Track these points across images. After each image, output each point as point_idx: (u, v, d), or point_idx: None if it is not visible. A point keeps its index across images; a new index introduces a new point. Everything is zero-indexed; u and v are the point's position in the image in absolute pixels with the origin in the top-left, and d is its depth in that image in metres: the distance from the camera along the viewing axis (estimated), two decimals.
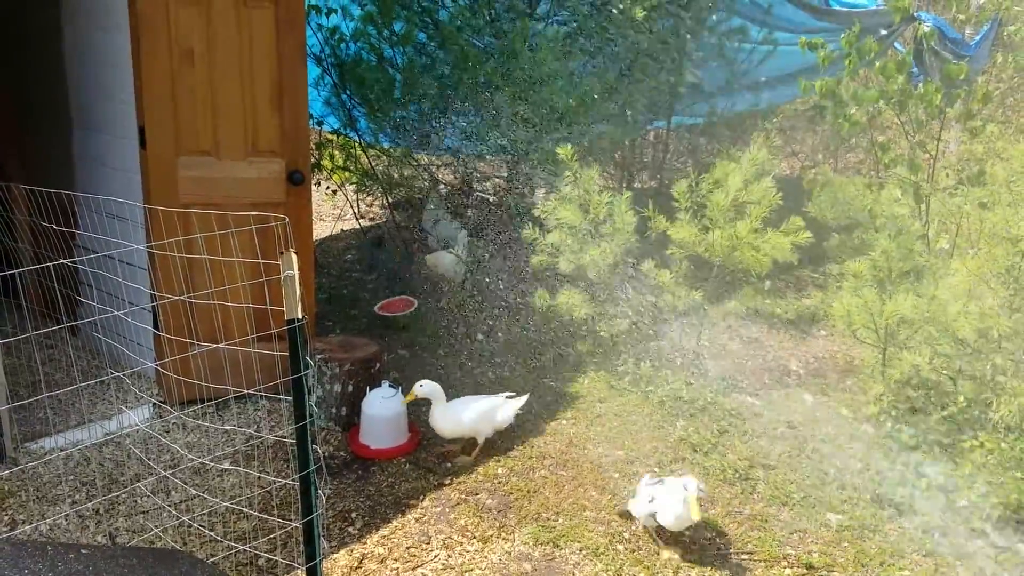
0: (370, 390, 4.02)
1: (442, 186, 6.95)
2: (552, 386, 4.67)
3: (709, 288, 4.77)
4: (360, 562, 3.12)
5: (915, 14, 6.44)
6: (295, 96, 4.14)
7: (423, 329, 5.42)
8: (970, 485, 3.48)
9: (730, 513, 3.47)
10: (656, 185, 7.57)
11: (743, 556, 3.20)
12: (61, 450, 3.72)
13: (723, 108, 7.08)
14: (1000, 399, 3.60)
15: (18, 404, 3.69)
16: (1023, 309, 3.63)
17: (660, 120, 7.13)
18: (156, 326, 3.97)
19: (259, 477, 3.55)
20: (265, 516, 3.24)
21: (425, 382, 3.90)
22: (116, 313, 3.33)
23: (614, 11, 5.77)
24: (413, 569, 3.09)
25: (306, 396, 2.36)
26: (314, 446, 2.42)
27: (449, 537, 3.28)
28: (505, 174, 6.35)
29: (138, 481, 3.53)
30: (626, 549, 3.22)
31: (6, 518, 3.27)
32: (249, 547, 3.08)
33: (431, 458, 3.89)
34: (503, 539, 3.27)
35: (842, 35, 5.39)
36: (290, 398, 2.37)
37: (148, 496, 3.43)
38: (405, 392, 3.93)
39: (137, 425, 3.95)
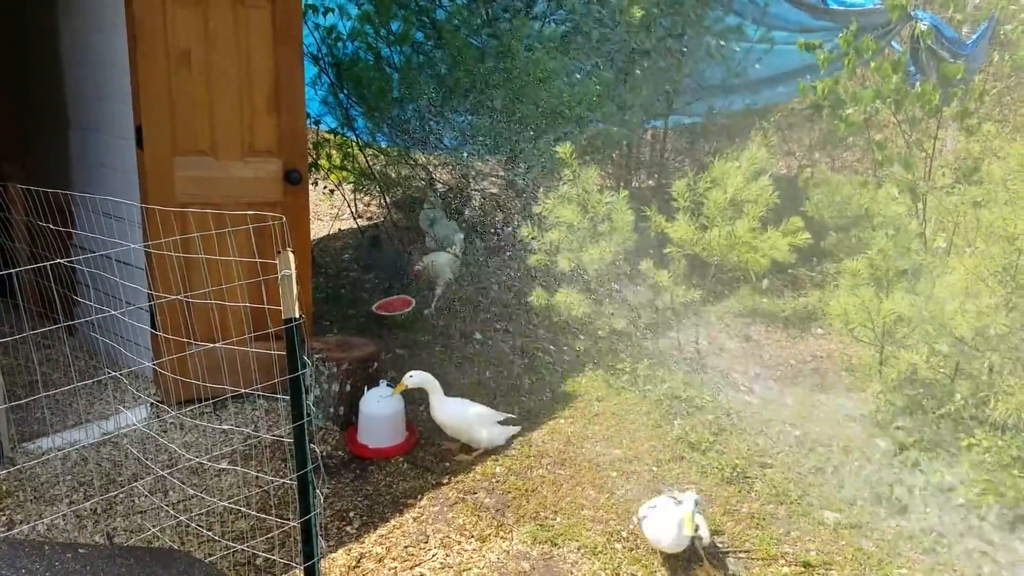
0: (368, 389, 4.02)
1: (439, 185, 6.95)
2: (550, 385, 4.67)
3: (707, 287, 4.78)
4: (358, 561, 3.12)
5: (912, 13, 6.45)
6: (292, 95, 4.14)
7: (421, 328, 5.42)
8: (967, 483, 3.49)
9: (728, 511, 3.47)
10: (654, 184, 7.58)
11: (741, 554, 3.20)
12: (58, 450, 3.72)
13: (720, 107, 7.09)
14: (997, 397, 3.61)
15: (15, 404, 3.68)
16: (1020, 307, 3.63)
17: (658, 119, 7.14)
18: (153, 326, 3.96)
19: (257, 477, 3.55)
20: (263, 516, 3.23)
21: (415, 372, 3.91)
22: (113, 313, 3.33)
23: (610, 10, 5.77)
24: (411, 568, 3.09)
25: (303, 395, 2.36)
26: (312, 445, 2.42)
27: (447, 536, 3.28)
28: (502, 173, 6.35)
29: (136, 481, 3.53)
30: (624, 548, 3.22)
31: (3, 518, 3.27)
32: (247, 547, 3.08)
33: (429, 457, 3.89)
34: (501, 538, 3.28)
35: (839, 34, 5.40)
36: (288, 398, 2.37)
37: (146, 496, 3.43)
38: (402, 391, 3.93)
39: (135, 425, 3.95)
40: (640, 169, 7.96)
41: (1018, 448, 3.49)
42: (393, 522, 3.38)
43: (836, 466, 3.80)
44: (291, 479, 3.40)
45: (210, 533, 3.18)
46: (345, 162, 7.06)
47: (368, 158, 7.00)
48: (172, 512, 3.31)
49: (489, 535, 3.29)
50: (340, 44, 6.35)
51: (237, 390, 3.10)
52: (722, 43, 6.54)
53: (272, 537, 3.18)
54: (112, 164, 4.31)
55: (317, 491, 2.45)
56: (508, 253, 5.79)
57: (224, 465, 3.65)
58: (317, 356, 4.07)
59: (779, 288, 6.11)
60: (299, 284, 2.35)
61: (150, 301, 3.88)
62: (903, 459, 3.77)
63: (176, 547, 3.08)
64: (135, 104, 3.86)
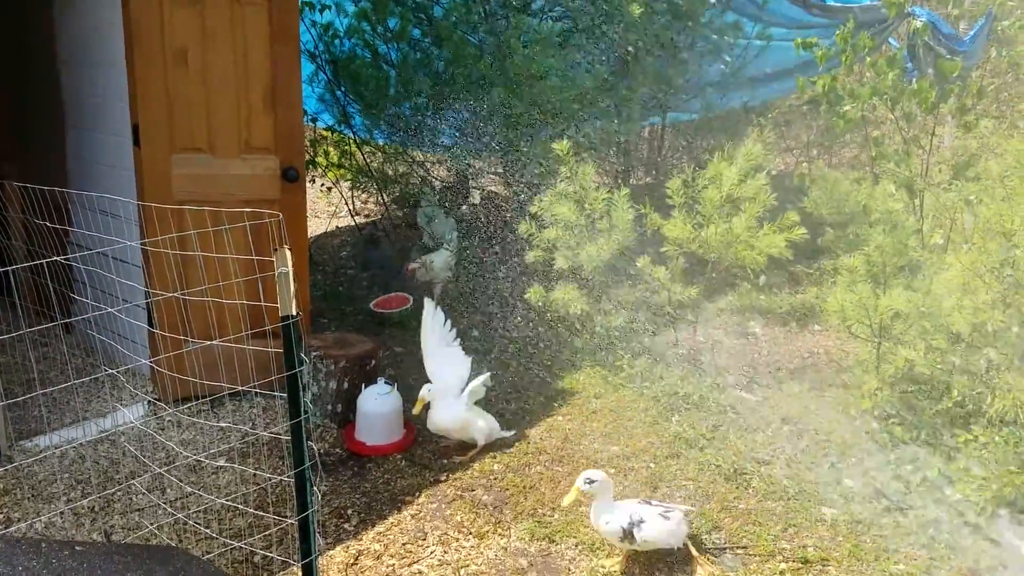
0: (366, 387, 4.02)
1: (437, 182, 6.95)
2: (548, 382, 4.67)
3: (704, 284, 4.78)
4: (356, 558, 3.12)
5: (909, 9, 6.45)
6: (289, 93, 4.14)
7: (419, 326, 5.41)
8: (965, 479, 3.49)
9: (725, 508, 3.48)
10: (651, 181, 7.57)
11: (738, 551, 3.21)
12: (56, 448, 3.71)
13: (718, 104, 7.08)
14: (994, 393, 3.62)
15: (12, 402, 3.68)
16: (1017, 303, 3.63)
17: (655, 117, 7.14)
18: (151, 323, 3.96)
19: (255, 474, 3.55)
20: (261, 513, 3.23)
21: (430, 386, 3.88)
22: (110, 310, 3.32)
23: (608, 7, 5.77)
24: (409, 565, 3.09)
25: (301, 392, 2.35)
26: (309, 443, 2.42)
27: (445, 533, 3.29)
28: (500, 170, 6.35)
29: (133, 479, 3.52)
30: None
31: (1, 516, 3.27)
32: (245, 544, 3.08)
33: (427, 455, 3.89)
34: (499, 535, 3.28)
35: (836, 31, 5.40)
36: (285, 395, 2.36)
37: (144, 494, 3.43)
38: (400, 389, 3.93)
39: (132, 422, 3.95)
40: (638, 166, 7.96)
41: (1015, 444, 3.49)
42: (391, 519, 3.38)
43: (833, 462, 3.80)
44: (288, 476, 3.40)
45: (208, 531, 3.18)
46: (342, 159, 7.06)
47: (365, 155, 6.99)
48: (170, 510, 3.31)
49: (487, 532, 3.29)
50: (337, 41, 6.35)
51: (234, 387, 3.09)
52: (720, 40, 6.53)
53: (270, 534, 3.18)
54: (109, 162, 4.31)
55: (315, 488, 2.45)
56: (506, 250, 5.79)
57: (222, 463, 3.65)
58: (315, 354, 4.07)
59: (777, 285, 6.11)
60: (296, 281, 2.35)
61: (147, 298, 3.88)
62: (900, 455, 3.77)
63: (174, 545, 3.08)
64: (132, 102, 3.86)
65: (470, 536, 3.26)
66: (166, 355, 3.82)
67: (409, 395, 4.00)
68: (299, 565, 2.51)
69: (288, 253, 2.29)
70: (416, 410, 3.74)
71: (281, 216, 2.73)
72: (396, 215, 7.31)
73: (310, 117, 6.53)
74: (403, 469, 3.77)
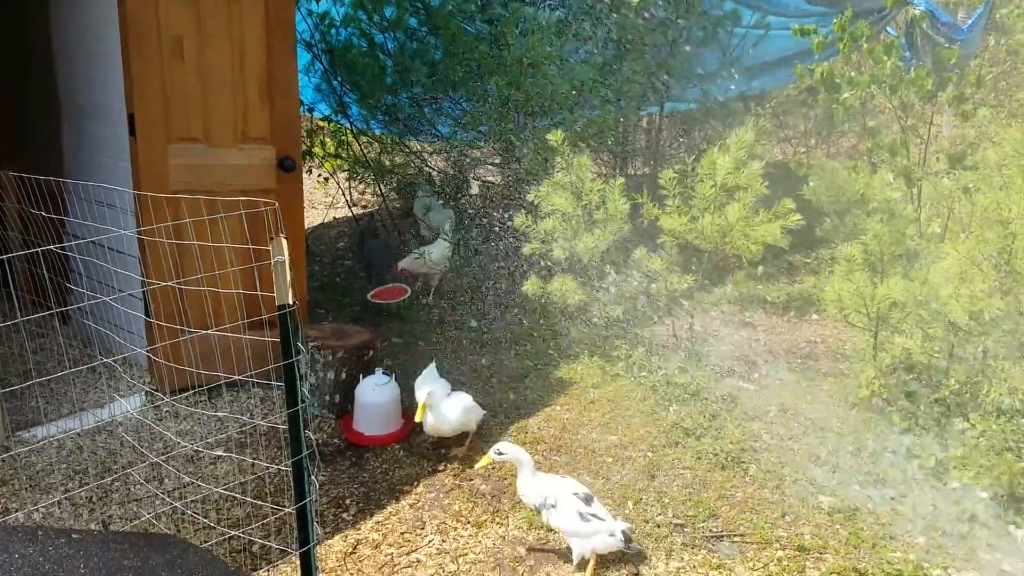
0: (363, 378, 4.01)
1: (434, 173, 6.93)
2: (546, 372, 4.67)
3: (701, 274, 4.78)
4: (354, 547, 3.13)
5: None
6: (285, 82, 4.12)
7: (417, 316, 5.42)
8: (962, 467, 3.50)
9: (722, 496, 3.48)
10: (649, 172, 7.56)
11: (735, 538, 3.22)
12: (53, 438, 3.71)
13: (716, 94, 7.07)
14: (991, 382, 3.62)
15: (10, 390, 3.67)
16: (1014, 291, 3.63)
17: (653, 106, 7.12)
18: (147, 313, 3.95)
19: (252, 464, 3.55)
20: (259, 503, 3.24)
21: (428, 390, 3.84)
22: (105, 299, 3.32)
23: None
24: (407, 554, 3.10)
25: (298, 381, 2.35)
26: (307, 432, 2.42)
27: (443, 522, 3.29)
28: (498, 161, 6.33)
29: (132, 470, 3.52)
30: None
31: None
32: (243, 533, 3.08)
33: (425, 444, 3.89)
34: (497, 524, 3.28)
35: (834, 19, 5.38)
36: (282, 384, 2.36)
37: (141, 484, 3.43)
38: (399, 380, 3.92)
39: (129, 413, 3.94)
40: (636, 156, 7.95)
41: (1012, 432, 3.50)
42: (389, 508, 3.38)
43: (830, 450, 3.81)
44: (286, 465, 3.40)
45: (206, 520, 3.18)
46: (339, 150, 7.04)
47: (362, 146, 6.97)
48: (168, 500, 3.31)
49: (485, 521, 3.30)
50: (333, 31, 6.32)
51: (231, 376, 3.09)
52: (718, 28, 6.51)
53: (268, 524, 3.18)
54: (105, 152, 4.29)
55: (312, 477, 2.45)
56: (503, 241, 5.78)
57: (219, 452, 3.65)
58: (312, 344, 4.06)
59: (774, 275, 6.11)
60: (293, 271, 2.34)
61: (143, 287, 3.87)
62: (897, 443, 3.78)
63: (171, 534, 3.08)
64: (128, 92, 3.84)
65: (468, 525, 3.27)
66: (163, 344, 3.82)
67: (407, 385, 3.99)
68: (297, 554, 2.51)
69: (284, 242, 2.29)
70: (418, 417, 3.70)
71: (277, 205, 2.71)
72: (394, 206, 7.30)
73: (306, 107, 6.51)
74: (401, 459, 3.77)
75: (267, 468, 3.53)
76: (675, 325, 4.96)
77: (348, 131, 6.85)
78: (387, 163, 7.03)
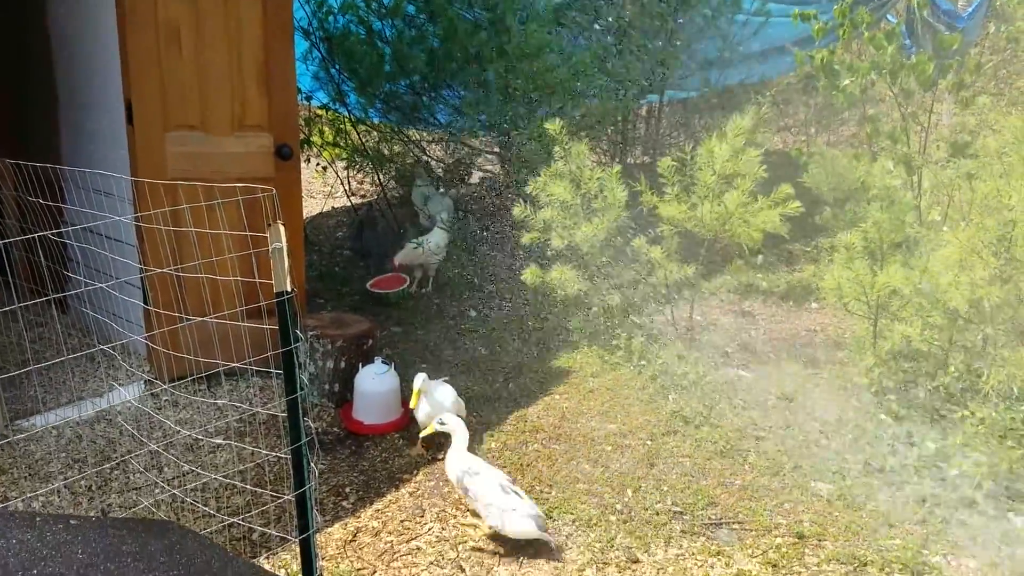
0: (363, 367, 4.01)
1: (433, 162, 6.91)
2: (545, 361, 4.67)
3: (700, 263, 4.77)
4: (354, 535, 3.13)
5: None
6: (282, 70, 4.09)
7: (416, 306, 5.41)
8: (961, 455, 3.51)
9: (721, 484, 3.49)
10: (649, 160, 7.54)
11: (734, 526, 3.22)
12: (52, 427, 3.71)
13: (716, 81, 7.04)
14: (991, 369, 3.62)
15: (7, 376, 3.66)
16: (1014, 279, 3.63)
17: (653, 94, 7.09)
18: (146, 301, 3.94)
19: (252, 452, 3.55)
20: (259, 490, 3.24)
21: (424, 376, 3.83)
22: (102, 286, 3.31)
23: None
24: (407, 542, 3.10)
25: (297, 369, 2.34)
26: (306, 420, 2.41)
27: (443, 510, 3.29)
28: (497, 149, 6.31)
29: (130, 457, 3.52)
30: (618, 520, 3.24)
31: None
32: (243, 521, 3.08)
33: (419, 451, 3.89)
34: None
35: (835, 6, 5.36)
36: (281, 372, 2.35)
37: (141, 472, 3.43)
38: (398, 369, 3.91)
39: (128, 401, 3.94)
40: (635, 145, 7.92)
41: (1011, 419, 3.50)
42: (389, 497, 3.39)
43: (830, 438, 3.81)
44: (285, 453, 3.40)
45: (206, 508, 3.18)
46: (337, 139, 7.00)
47: (361, 135, 6.94)
48: (167, 488, 3.32)
49: None
50: (331, 18, 6.27)
51: (230, 364, 3.09)
52: (718, 15, 6.48)
53: (268, 512, 3.19)
54: (103, 140, 4.27)
55: (312, 464, 2.45)
56: (502, 230, 5.77)
57: (219, 441, 3.65)
58: (312, 333, 4.06)
59: (773, 263, 6.10)
60: (291, 259, 2.33)
61: (140, 274, 3.86)
62: (897, 431, 3.78)
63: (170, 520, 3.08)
64: (125, 79, 3.82)
65: (468, 513, 3.27)
66: (161, 330, 3.81)
67: (406, 374, 3.99)
68: (297, 541, 2.51)
69: (282, 228, 2.28)
70: (412, 403, 3.71)
71: (274, 191, 2.70)
72: (393, 195, 7.27)
73: (304, 95, 6.48)
74: (401, 447, 3.77)
75: (267, 456, 3.53)
76: (674, 314, 4.95)
77: (346, 119, 6.82)
78: (386, 152, 7.00)
